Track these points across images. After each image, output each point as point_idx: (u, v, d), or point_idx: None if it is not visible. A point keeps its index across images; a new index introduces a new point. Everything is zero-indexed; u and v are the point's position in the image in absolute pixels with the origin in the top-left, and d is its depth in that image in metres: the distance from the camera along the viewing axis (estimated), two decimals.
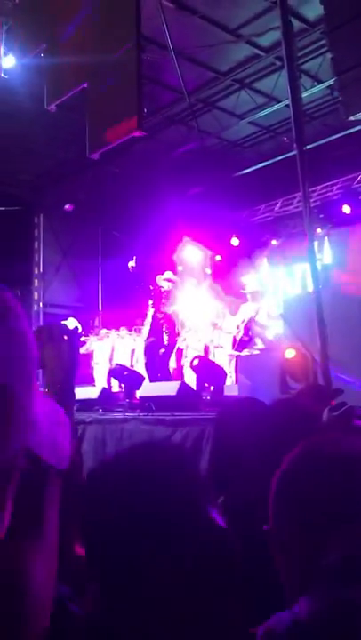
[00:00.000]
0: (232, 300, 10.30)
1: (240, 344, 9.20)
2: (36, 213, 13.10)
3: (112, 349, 11.02)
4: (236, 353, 8.82)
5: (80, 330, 10.72)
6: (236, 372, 7.65)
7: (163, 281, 8.81)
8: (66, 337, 1.39)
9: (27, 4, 7.20)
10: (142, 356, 9.30)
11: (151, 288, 8.84)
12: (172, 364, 9.09)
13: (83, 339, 10.73)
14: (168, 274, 8.98)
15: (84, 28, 6.41)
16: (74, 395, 1.37)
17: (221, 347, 9.55)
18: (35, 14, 7.05)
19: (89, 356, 10.67)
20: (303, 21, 7.93)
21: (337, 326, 5.51)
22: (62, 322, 9.57)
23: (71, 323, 10.76)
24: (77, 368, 1.41)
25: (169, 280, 8.79)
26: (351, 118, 4.99)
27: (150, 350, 8.65)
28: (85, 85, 6.31)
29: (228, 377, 7.80)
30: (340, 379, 5.12)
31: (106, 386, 8.85)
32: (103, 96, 6.27)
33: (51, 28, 6.81)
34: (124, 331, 11.23)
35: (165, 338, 8.45)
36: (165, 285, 8.73)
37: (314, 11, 7.19)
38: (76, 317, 11.10)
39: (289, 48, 5.23)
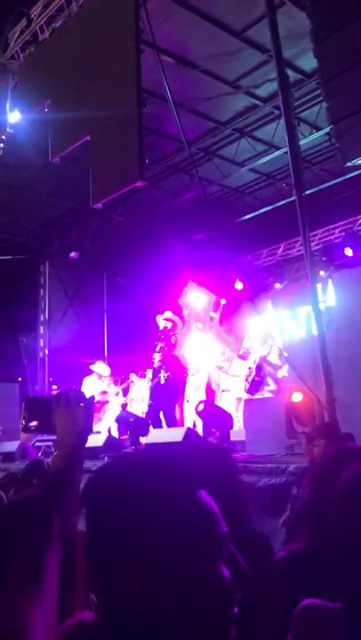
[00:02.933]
0: (242, 350, 10.30)
1: (252, 386, 9.14)
2: (42, 261, 13.28)
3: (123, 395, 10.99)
4: (248, 396, 8.75)
5: (108, 373, 10.66)
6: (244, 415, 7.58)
7: (162, 320, 8.82)
8: (82, 404, 1.44)
9: (32, 63, 7.48)
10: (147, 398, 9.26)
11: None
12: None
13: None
14: (167, 313, 8.98)
15: (86, 83, 6.63)
16: (82, 460, 1.41)
17: (228, 390, 9.49)
18: (39, 72, 7.32)
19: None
20: (300, 72, 8.19)
21: (342, 369, 5.49)
22: (91, 366, 9.37)
23: (100, 366, 10.71)
24: (88, 435, 1.45)
25: (168, 319, 8.79)
26: (349, 164, 5.09)
27: (156, 392, 8.58)
28: (88, 138, 6.49)
29: (235, 421, 7.73)
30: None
31: (115, 433, 8.78)
32: (105, 148, 6.43)
33: (54, 85, 7.05)
34: (133, 376, 11.20)
35: (166, 377, 8.37)
36: (165, 325, 8.73)
37: (310, 63, 7.43)
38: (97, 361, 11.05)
39: (285, 98, 5.39)
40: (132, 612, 0.98)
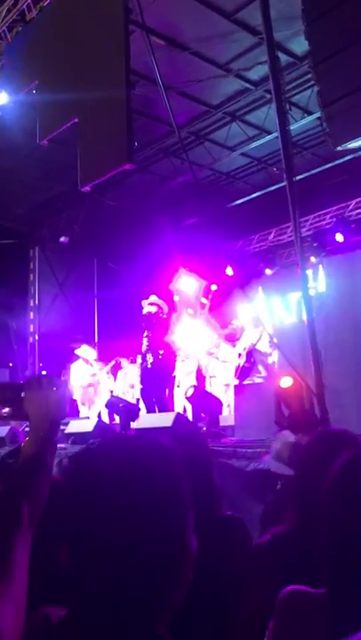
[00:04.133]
0: (228, 330, 10.31)
1: (242, 372, 9.16)
2: (32, 246, 13.19)
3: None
4: (236, 382, 8.77)
5: (95, 357, 10.66)
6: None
7: (148, 305, 8.81)
8: (55, 388, 1.41)
9: (19, 43, 7.35)
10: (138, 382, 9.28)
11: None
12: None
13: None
14: (152, 297, 8.97)
15: (74, 64, 6.53)
16: (55, 445, 1.39)
17: (215, 377, 9.50)
18: (27, 52, 7.19)
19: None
20: (291, 55, 8.11)
21: (331, 354, 5.49)
22: (76, 350, 9.38)
23: (85, 350, 10.70)
24: (62, 419, 1.43)
25: (153, 304, 8.78)
26: (339, 148, 5.05)
27: (145, 376, 8.59)
28: (76, 120, 6.40)
29: (225, 406, 7.76)
30: None
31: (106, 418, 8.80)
32: (94, 130, 6.35)
33: (42, 65, 6.94)
34: (124, 361, 11.20)
35: (152, 362, 8.38)
36: (150, 309, 8.72)
37: (301, 45, 7.34)
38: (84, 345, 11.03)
39: (276, 81, 5.33)
40: (108, 597, 0.97)
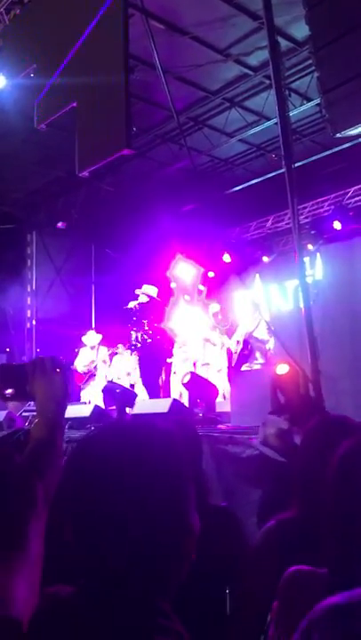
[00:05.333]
0: (225, 317, 10.32)
1: (239, 359, 9.19)
2: (29, 231, 13.14)
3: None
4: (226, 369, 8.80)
5: (97, 342, 10.66)
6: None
7: (141, 295, 8.91)
8: (58, 370, 1.43)
9: (17, 25, 7.28)
10: (134, 370, 9.36)
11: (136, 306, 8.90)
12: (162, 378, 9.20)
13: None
14: (144, 287, 9.05)
15: (73, 48, 6.47)
16: (63, 426, 1.41)
17: (208, 364, 9.52)
18: (25, 35, 7.12)
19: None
20: (292, 41, 8.05)
21: (328, 341, 5.51)
22: (83, 337, 9.47)
23: (90, 336, 10.73)
24: (67, 400, 1.45)
25: (144, 293, 8.87)
26: (338, 135, 5.03)
27: (143, 364, 8.68)
28: (75, 105, 6.36)
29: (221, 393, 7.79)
30: None
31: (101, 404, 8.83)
32: (92, 115, 6.31)
33: (41, 48, 6.88)
34: (121, 348, 11.22)
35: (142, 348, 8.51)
36: (142, 299, 8.82)
37: (302, 31, 7.29)
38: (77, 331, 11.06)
39: (276, 67, 5.29)
40: (115, 578, 0.99)
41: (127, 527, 0.99)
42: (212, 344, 9.80)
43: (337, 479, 1.36)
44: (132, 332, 8.76)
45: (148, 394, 8.21)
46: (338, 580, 1.30)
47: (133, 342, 8.77)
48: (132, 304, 8.88)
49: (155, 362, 8.57)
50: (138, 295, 9.06)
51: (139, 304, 8.80)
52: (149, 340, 8.46)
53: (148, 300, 8.83)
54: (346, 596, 1.02)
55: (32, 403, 1.41)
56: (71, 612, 1.00)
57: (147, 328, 8.63)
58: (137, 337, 8.63)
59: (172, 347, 9.75)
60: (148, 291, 9.01)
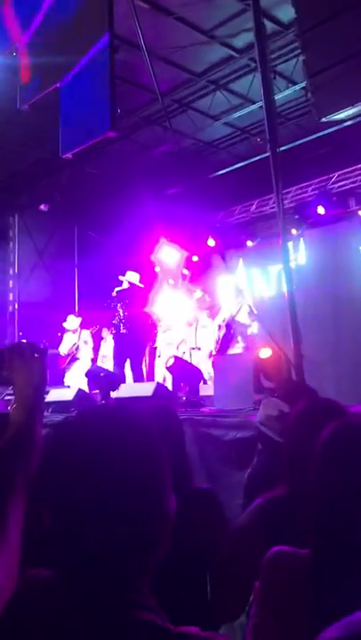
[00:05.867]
0: (209, 301, 10.34)
1: (222, 343, 9.23)
2: (11, 214, 12.99)
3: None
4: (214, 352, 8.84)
5: (76, 326, 10.66)
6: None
7: (125, 281, 9.05)
8: (36, 355, 1.42)
9: None
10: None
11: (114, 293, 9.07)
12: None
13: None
14: (128, 274, 9.16)
15: (56, 27, 6.37)
16: (42, 411, 1.41)
17: (199, 348, 9.56)
18: (8, 14, 6.99)
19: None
20: (277, 23, 7.98)
21: (310, 326, 5.57)
22: (63, 324, 9.70)
23: (69, 321, 10.74)
24: (45, 386, 1.45)
25: (127, 280, 9.00)
26: (323, 120, 5.04)
27: (124, 349, 8.76)
28: (58, 85, 6.28)
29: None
30: None
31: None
32: (76, 96, 6.24)
33: (23, 27, 6.76)
34: (105, 332, 11.23)
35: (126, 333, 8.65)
36: (124, 285, 8.95)
37: (288, 13, 7.23)
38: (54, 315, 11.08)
39: (262, 49, 5.27)
40: (91, 559, 1.00)
41: (102, 510, 1.00)
42: (202, 327, 9.85)
43: (321, 461, 1.38)
44: (115, 318, 8.86)
45: (134, 377, 8.28)
46: (320, 561, 1.32)
47: (113, 330, 8.89)
48: (115, 291, 9.03)
49: (136, 347, 8.65)
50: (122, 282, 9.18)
51: (119, 291, 8.94)
52: (124, 331, 8.60)
53: (128, 286, 8.94)
54: (344, 627, 0.99)
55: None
56: (49, 595, 1.02)
57: (126, 313, 8.75)
58: (116, 323, 8.75)
59: (153, 332, 9.85)
60: (129, 277, 9.11)
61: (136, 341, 8.69)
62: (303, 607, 1.28)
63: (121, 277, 9.16)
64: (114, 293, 9.08)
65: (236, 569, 1.89)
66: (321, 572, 1.30)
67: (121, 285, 9.08)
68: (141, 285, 9.33)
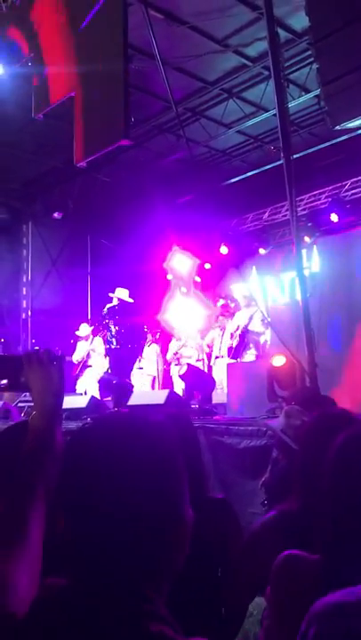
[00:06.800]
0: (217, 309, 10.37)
1: (235, 351, 9.22)
2: (25, 221, 13.07)
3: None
4: (231, 360, 8.83)
5: (87, 333, 10.74)
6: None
7: (115, 298, 9.44)
8: (55, 362, 1.43)
9: (14, 13, 7.22)
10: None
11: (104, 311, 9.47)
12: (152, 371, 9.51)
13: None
14: (117, 291, 9.52)
15: (71, 37, 6.43)
16: (62, 418, 1.41)
17: (222, 356, 9.52)
18: (22, 23, 7.07)
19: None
20: (290, 32, 8.00)
21: (324, 334, 5.54)
22: (76, 332, 10.16)
23: (81, 329, 10.86)
24: (63, 393, 1.46)
25: (117, 297, 9.39)
26: (337, 128, 5.03)
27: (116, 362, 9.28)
28: (73, 94, 6.32)
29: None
30: None
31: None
32: (90, 105, 6.28)
33: (38, 37, 6.83)
34: (96, 343, 11.31)
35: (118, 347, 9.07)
36: (114, 302, 9.46)
37: (301, 22, 7.25)
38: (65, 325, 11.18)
39: (275, 58, 5.28)
40: (105, 569, 0.99)
41: (116, 519, 0.99)
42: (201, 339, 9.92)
43: (333, 469, 1.38)
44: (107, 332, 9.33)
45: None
46: (330, 566, 1.32)
47: (106, 345, 9.42)
48: (106, 308, 9.47)
49: (125, 360, 9.05)
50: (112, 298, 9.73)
51: (109, 307, 9.31)
52: (117, 347, 9.01)
53: (118, 302, 9.32)
54: (346, 593, 1.02)
55: (27, 394, 1.41)
56: (63, 603, 1.01)
57: (117, 329, 9.16)
58: (109, 339, 9.15)
59: (142, 346, 10.16)
60: (118, 294, 9.45)
61: (128, 354, 9.03)
62: None
63: (111, 294, 9.47)
64: (105, 310, 9.43)
65: (246, 579, 1.89)
66: (331, 577, 1.30)
67: (111, 302, 9.44)
68: (131, 300, 9.59)
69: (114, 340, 9.07)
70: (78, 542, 1.03)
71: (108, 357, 9.93)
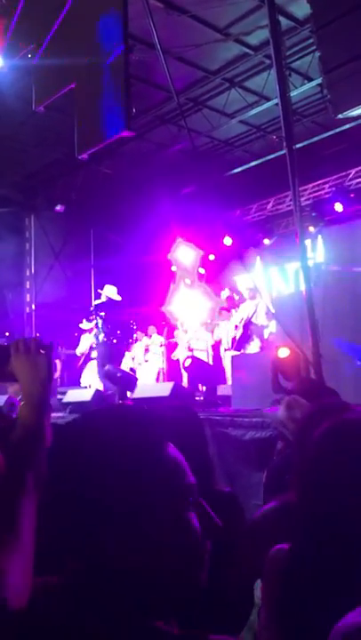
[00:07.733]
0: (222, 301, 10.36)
1: (239, 342, 9.21)
2: (27, 215, 13.05)
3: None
4: (235, 352, 8.82)
5: (90, 327, 10.79)
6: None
7: (103, 295, 9.65)
8: (42, 351, 1.40)
9: (14, 6, 7.16)
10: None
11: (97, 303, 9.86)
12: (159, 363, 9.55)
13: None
14: (105, 288, 9.86)
15: (71, 28, 6.37)
16: (50, 407, 1.38)
17: (230, 348, 9.54)
18: (22, 16, 7.01)
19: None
20: (292, 20, 7.92)
21: (328, 325, 5.50)
22: (80, 325, 10.54)
23: (84, 323, 10.95)
24: (51, 382, 1.42)
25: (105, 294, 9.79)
26: (340, 116, 4.98)
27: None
28: (73, 86, 6.28)
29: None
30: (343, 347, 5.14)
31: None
32: (91, 96, 6.23)
33: (38, 29, 6.77)
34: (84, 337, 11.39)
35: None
36: (102, 299, 9.73)
37: (303, 9, 7.17)
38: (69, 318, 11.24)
39: (277, 46, 5.22)
40: (104, 568, 0.97)
41: (113, 514, 0.95)
42: (209, 329, 9.90)
43: (313, 457, 1.37)
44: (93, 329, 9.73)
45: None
46: (296, 554, 1.32)
47: (94, 340, 9.79)
48: (93, 305, 9.72)
49: (113, 355, 9.30)
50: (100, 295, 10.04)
51: (97, 304, 9.56)
52: (104, 340, 9.23)
53: (105, 299, 9.55)
54: None
55: None
56: (61, 606, 0.98)
57: (104, 324, 9.45)
58: (96, 334, 9.52)
59: (130, 343, 10.55)
60: (106, 291, 9.69)
61: (114, 349, 9.50)
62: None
63: (100, 291, 9.72)
64: (92, 307, 9.70)
65: (245, 571, 1.88)
66: (297, 565, 1.30)
67: (100, 298, 9.67)
68: (118, 298, 9.78)
69: (101, 335, 9.30)
70: (68, 538, 0.99)
71: (95, 352, 10.12)
